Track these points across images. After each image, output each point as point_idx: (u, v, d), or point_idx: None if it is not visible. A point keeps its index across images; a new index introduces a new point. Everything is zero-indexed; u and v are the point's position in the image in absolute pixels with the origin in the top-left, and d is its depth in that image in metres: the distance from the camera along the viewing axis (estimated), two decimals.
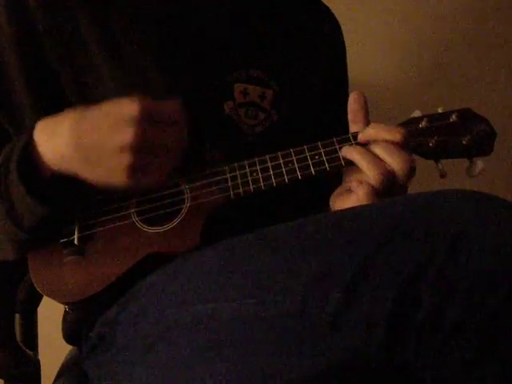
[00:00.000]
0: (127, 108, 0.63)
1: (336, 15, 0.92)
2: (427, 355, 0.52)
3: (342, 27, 0.92)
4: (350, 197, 0.70)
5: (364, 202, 0.68)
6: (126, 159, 0.63)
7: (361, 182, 0.69)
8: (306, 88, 0.85)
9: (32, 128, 0.68)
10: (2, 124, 0.76)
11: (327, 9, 0.92)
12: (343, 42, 0.93)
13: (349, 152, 0.70)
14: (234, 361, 0.57)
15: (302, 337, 0.55)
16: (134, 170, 0.64)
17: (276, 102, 0.81)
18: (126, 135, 0.63)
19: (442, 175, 0.70)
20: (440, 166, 0.71)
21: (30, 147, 0.67)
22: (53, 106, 0.74)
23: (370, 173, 0.67)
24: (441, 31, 1.36)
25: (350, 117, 0.73)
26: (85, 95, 0.76)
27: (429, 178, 0.81)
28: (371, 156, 0.68)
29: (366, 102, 0.73)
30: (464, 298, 0.51)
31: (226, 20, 0.83)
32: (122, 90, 0.75)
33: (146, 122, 0.63)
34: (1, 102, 0.76)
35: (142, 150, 0.64)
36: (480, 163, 0.70)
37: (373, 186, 0.68)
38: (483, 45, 1.37)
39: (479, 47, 1.36)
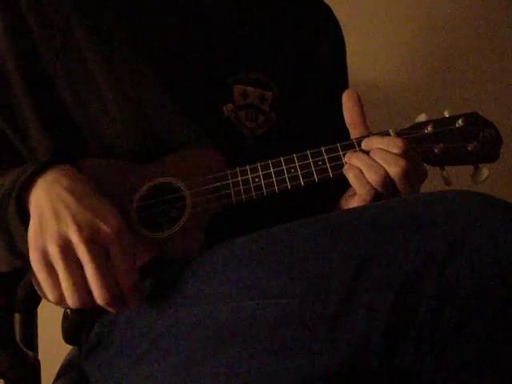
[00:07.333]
0: (106, 225, 0.60)
1: (338, 16, 0.91)
2: (427, 356, 0.53)
3: (344, 28, 0.91)
4: (354, 198, 0.71)
5: (366, 202, 0.69)
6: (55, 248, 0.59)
7: (363, 184, 0.69)
8: (305, 89, 0.85)
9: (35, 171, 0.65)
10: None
11: (328, 8, 0.91)
12: (343, 43, 0.92)
13: (351, 157, 0.70)
14: (233, 361, 0.58)
15: (302, 338, 0.56)
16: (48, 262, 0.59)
17: (275, 104, 0.80)
18: (82, 238, 0.58)
19: (448, 183, 0.70)
20: (445, 174, 0.70)
21: (29, 187, 0.64)
22: (51, 108, 0.75)
23: (369, 176, 0.68)
24: (447, 32, 1.35)
25: (346, 117, 0.73)
26: (79, 100, 0.76)
27: (433, 186, 0.80)
28: (371, 161, 0.68)
29: (359, 99, 0.72)
30: (463, 299, 0.51)
31: (225, 22, 0.82)
32: (118, 95, 0.74)
33: (114, 245, 0.60)
34: (1, 106, 0.75)
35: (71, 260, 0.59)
36: (485, 170, 0.69)
37: (373, 188, 0.68)
38: (491, 46, 1.35)
39: (487, 48, 1.35)
